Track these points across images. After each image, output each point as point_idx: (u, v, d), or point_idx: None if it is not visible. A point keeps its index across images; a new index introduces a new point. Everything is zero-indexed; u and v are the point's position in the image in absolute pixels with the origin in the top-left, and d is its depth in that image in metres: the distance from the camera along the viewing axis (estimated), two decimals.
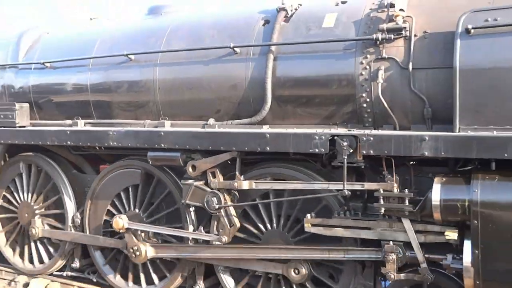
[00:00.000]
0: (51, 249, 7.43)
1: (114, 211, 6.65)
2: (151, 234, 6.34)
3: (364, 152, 4.67)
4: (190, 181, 5.70)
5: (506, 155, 4.16)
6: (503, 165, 4.34)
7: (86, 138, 6.30)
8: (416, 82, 4.82)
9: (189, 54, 5.92)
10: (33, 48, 7.44)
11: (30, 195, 7.45)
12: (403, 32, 4.85)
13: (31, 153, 7.41)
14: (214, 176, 5.63)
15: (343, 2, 5.54)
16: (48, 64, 7.00)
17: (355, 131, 4.81)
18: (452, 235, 4.49)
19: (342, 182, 4.82)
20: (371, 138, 4.65)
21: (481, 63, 4.37)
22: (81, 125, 6.65)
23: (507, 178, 4.26)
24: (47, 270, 7.41)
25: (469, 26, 4.39)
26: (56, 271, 7.43)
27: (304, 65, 5.36)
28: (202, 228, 5.83)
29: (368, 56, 5.01)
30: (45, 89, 7.08)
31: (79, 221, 6.96)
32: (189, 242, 5.97)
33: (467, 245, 4.37)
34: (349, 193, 4.86)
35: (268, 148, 5.14)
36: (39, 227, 7.23)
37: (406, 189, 4.68)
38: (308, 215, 5.24)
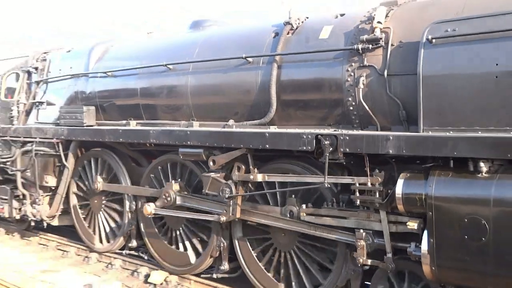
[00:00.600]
0: (116, 230, 8.71)
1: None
2: None
3: (342, 149, 5.29)
4: (209, 174, 6.61)
5: (455, 153, 4.61)
6: (461, 162, 4.75)
7: (133, 136, 7.47)
8: (392, 87, 5.34)
9: (212, 64, 6.83)
10: (100, 59, 8.75)
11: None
12: (380, 42, 5.39)
13: (99, 149, 8.74)
14: (238, 170, 6.47)
15: (341, 15, 6.15)
16: (109, 73, 8.26)
17: (335, 131, 5.45)
18: (412, 225, 4.99)
19: (323, 176, 5.47)
20: (347, 138, 5.27)
21: (441, 70, 4.82)
22: (133, 125, 7.81)
23: (458, 175, 4.70)
24: (112, 248, 8.71)
25: (429, 37, 4.86)
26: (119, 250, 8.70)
27: (302, 72, 6.06)
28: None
29: (353, 64, 5.60)
30: (107, 94, 8.36)
31: (134, 207, 8.15)
32: None
33: (425, 234, 4.86)
34: (329, 185, 5.51)
35: (267, 146, 5.91)
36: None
37: (377, 183, 5.22)
38: (304, 206, 5.95)
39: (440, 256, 4.75)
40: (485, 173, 4.53)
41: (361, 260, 5.34)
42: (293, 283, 6.36)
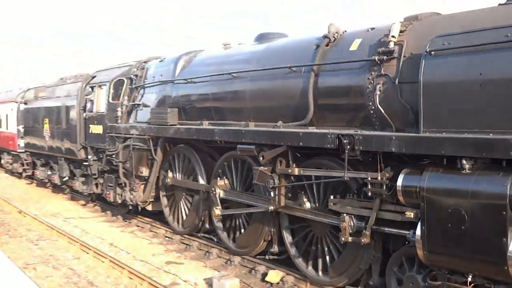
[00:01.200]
0: (192, 215, 10.07)
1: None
2: None
3: (357, 147, 6.12)
4: (257, 167, 7.69)
5: (442, 152, 5.28)
6: (452, 160, 5.37)
7: (202, 134, 8.78)
8: (403, 93, 6.05)
9: (264, 72, 7.91)
10: (184, 68, 10.18)
11: (181, 175, 10.23)
12: (394, 53, 6.13)
13: (182, 145, 10.17)
14: (280, 164, 7.51)
15: (372, 29, 6.92)
16: (189, 80, 9.65)
17: (352, 132, 6.27)
18: (409, 214, 5.68)
19: (344, 171, 6.33)
20: (361, 137, 6.09)
21: (437, 79, 5.48)
22: (205, 124, 9.09)
23: (447, 171, 5.33)
24: (189, 231, 10.11)
25: (429, 49, 5.55)
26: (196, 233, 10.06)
27: (334, 80, 6.93)
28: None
29: (373, 73, 6.38)
30: (187, 98, 9.75)
31: (206, 196, 9.46)
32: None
33: (419, 222, 5.54)
34: (348, 178, 6.33)
35: (301, 143, 6.88)
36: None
37: (384, 178, 5.97)
38: (331, 197, 6.82)
39: (430, 242, 5.42)
40: (468, 169, 5.14)
41: (343, 239, 6.43)
42: (328, 265, 7.23)
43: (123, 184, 11.58)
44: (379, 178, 6.04)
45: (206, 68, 9.52)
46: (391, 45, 6.17)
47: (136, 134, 10.73)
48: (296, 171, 7.23)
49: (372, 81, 6.38)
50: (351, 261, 6.90)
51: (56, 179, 15.95)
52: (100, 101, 12.44)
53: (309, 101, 7.14)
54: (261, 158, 7.65)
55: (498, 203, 4.82)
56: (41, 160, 17.40)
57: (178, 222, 10.53)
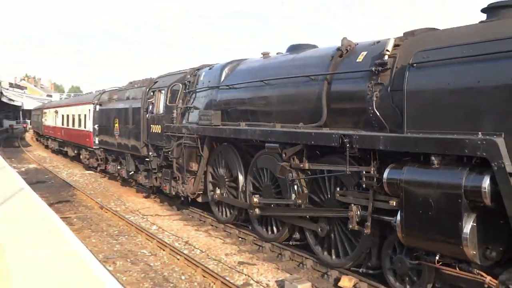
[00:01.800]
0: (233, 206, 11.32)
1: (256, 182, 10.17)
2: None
3: (354, 146, 7.14)
4: (279, 163, 8.83)
5: (417, 149, 6.22)
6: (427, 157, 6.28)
7: (237, 133, 10.03)
8: (394, 100, 7.00)
9: (287, 80, 9.06)
10: (228, 75, 11.49)
11: (223, 170, 11.54)
12: (388, 65, 7.10)
13: (225, 143, 11.47)
14: (294, 160, 8.64)
15: (377, 42, 7.89)
16: (230, 86, 10.94)
17: (351, 132, 7.28)
18: (392, 203, 6.64)
19: (341, 166, 7.36)
20: (358, 137, 7.11)
21: (419, 87, 6.42)
22: (242, 125, 10.32)
23: (421, 165, 6.25)
24: (230, 220, 11.37)
25: (411, 62, 6.50)
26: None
27: (343, 87, 7.98)
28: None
29: (372, 81, 7.38)
30: (228, 102, 11.05)
31: (245, 188, 10.70)
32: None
33: (399, 210, 6.49)
34: (350, 172, 7.35)
35: (313, 142, 7.97)
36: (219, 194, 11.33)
37: (374, 172, 6.95)
38: (338, 189, 7.86)
39: (406, 226, 6.37)
40: (436, 164, 6.05)
41: (350, 226, 7.36)
42: (339, 249, 8.26)
43: (177, 178, 13.04)
44: (371, 172, 7.04)
45: (245, 75, 10.79)
46: (386, 58, 7.15)
47: (186, 133, 12.15)
48: (307, 166, 8.33)
49: (371, 89, 7.37)
50: (355, 247, 7.90)
51: (124, 173, 17.82)
52: (160, 104, 14.02)
53: (323, 105, 8.21)
54: (283, 155, 8.80)
55: (455, 192, 5.72)
56: (112, 156, 19.39)
57: (221, 213, 11.84)
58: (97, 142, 21.02)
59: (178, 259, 9.54)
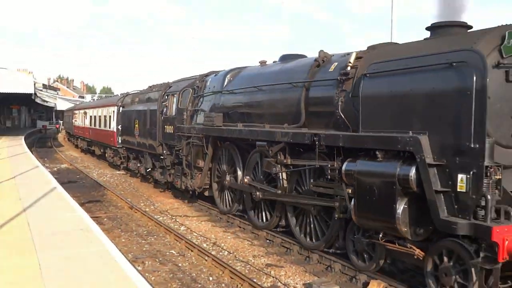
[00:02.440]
0: (233, 199, 12.68)
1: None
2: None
3: (322, 143, 8.44)
4: (266, 159, 10.18)
5: (365, 146, 7.51)
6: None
7: (234, 133, 11.41)
8: (355, 104, 8.27)
9: (276, 87, 10.41)
10: (230, 82, 12.89)
11: (225, 165, 12.93)
12: (350, 75, 8.39)
13: (227, 142, 12.86)
14: (280, 156, 9.97)
15: (347, 54, 9.16)
16: (230, 91, 12.34)
17: (319, 132, 8.58)
18: (348, 190, 7.92)
19: (315, 160, 8.68)
20: (324, 136, 8.41)
21: (370, 94, 7.70)
22: (239, 126, 11.68)
23: (370, 159, 7.51)
24: (231, 210, 12.76)
25: (365, 72, 7.79)
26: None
27: (317, 93, 9.29)
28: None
29: (338, 88, 8.67)
30: (229, 105, 12.45)
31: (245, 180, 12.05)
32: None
33: (354, 196, 7.77)
34: (319, 166, 8.64)
35: (291, 140, 9.29)
36: (228, 181, 12.68)
37: (336, 165, 8.23)
38: (312, 180, 9.16)
39: (358, 209, 7.65)
40: (380, 158, 7.31)
41: (336, 216, 8.49)
42: (313, 233, 9.54)
43: (186, 174, 14.48)
44: (335, 165, 8.33)
45: (243, 82, 12.17)
46: (348, 68, 8.44)
47: (194, 133, 13.58)
48: (289, 161, 9.66)
49: (338, 95, 8.66)
50: (326, 231, 9.20)
51: (143, 170, 19.41)
52: (172, 107, 15.52)
53: (302, 108, 9.54)
54: (270, 152, 10.14)
55: (391, 180, 6.98)
56: (133, 154, 21.03)
57: (224, 205, 13.23)
58: (120, 141, 22.71)
59: (206, 260, 9.61)
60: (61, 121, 69.49)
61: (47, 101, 66.41)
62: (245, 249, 10.41)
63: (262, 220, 11.33)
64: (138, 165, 20.30)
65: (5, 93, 37.94)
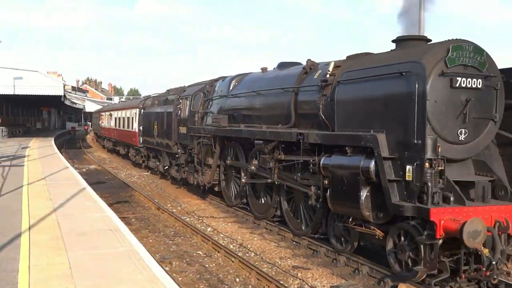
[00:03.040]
0: (238, 191, 14.02)
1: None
2: None
3: (306, 141, 9.71)
4: (262, 155, 11.49)
5: (338, 142, 8.77)
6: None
7: (236, 132, 12.76)
8: (332, 107, 9.49)
9: (271, 91, 11.71)
10: (235, 86, 14.23)
11: (232, 161, 14.26)
12: (328, 81, 9.65)
13: (233, 142, 14.20)
14: (275, 153, 11.26)
15: (328, 63, 10.40)
16: (234, 95, 13.68)
17: (304, 131, 9.85)
18: (325, 181, 9.17)
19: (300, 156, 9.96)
20: (308, 135, 9.68)
21: (343, 98, 8.96)
22: (242, 127, 13.00)
23: (342, 154, 8.75)
24: (237, 203, 14.09)
25: (339, 79, 9.04)
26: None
27: (304, 97, 10.56)
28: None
29: (320, 93, 9.93)
30: (233, 108, 13.80)
31: (245, 177, 13.37)
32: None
33: (330, 187, 9.02)
34: (303, 161, 9.91)
35: (282, 139, 10.58)
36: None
37: (317, 159, 9.48)
38: (299, 174, 10.44)
39: (333, 198, 8.90)
40: (349, 153, 8.56)
41: (310, 203, 9.75)
42: (303, 219, 10.81)
43: (198, 171, 15.86)
44: (316, 160, 9.59)
45: (246, 86, 13.50)
46: (328, 76, 9.71)
47: (204, 133, 14.97)
48: (282, 157, 10.95)
49: (320, 99, 9.91)
50: (313, 217, 10.46)
51: (161, 168, 20.92)
52: (186, 109, 16.96)
53: (291, 111, 10.82)
54: (265, 149, 11.44)
55: (356, 172, 8.23)
56: (152, 153, 22.57)
57: (231, 197, 14.57)
58: (141, 141, 24.28)
59: (232, 261, 9.67)
60: (90, 123, 71.63)
61: (76, 103, 68.76)
62: (272, 251, 10.50)
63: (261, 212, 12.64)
64: (157, 163, 21.83)
65: (35, 95, 39.94)
